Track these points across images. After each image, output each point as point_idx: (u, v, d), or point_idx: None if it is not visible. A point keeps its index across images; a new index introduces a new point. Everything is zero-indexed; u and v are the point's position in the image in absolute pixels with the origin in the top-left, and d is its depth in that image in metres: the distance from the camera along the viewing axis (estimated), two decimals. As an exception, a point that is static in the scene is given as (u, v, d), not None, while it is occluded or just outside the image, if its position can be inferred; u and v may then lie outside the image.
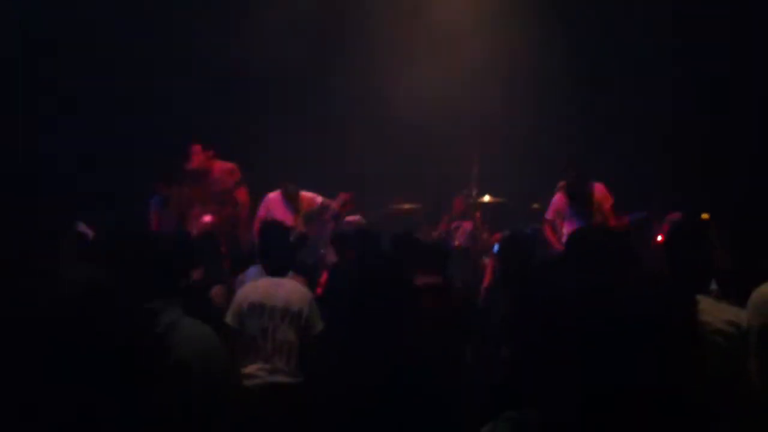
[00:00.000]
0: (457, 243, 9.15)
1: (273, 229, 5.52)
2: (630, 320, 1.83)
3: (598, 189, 8.35)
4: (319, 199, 8.91)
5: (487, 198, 9.47)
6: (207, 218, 8.00)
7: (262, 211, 8.89)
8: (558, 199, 8.45)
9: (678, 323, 1.86)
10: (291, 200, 8.87)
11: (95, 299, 1.85)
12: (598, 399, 1.78)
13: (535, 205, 9.09)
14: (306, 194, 8.95)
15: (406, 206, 9.67)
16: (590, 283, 1.98)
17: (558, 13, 10.23)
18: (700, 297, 3.14)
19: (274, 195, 9.01)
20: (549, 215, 8.48)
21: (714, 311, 3.21)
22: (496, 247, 6.97)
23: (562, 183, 8.48)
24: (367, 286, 2.85)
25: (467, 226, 9.66)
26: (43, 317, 1.79)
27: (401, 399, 2.16)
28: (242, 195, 9.06)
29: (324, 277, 6.50)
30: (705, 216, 6.87)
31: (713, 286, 4.04)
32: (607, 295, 1.90)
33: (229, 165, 8.99)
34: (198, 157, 8.78)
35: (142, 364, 1.93)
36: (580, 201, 8.27)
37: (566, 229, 8.29)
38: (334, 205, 8.69)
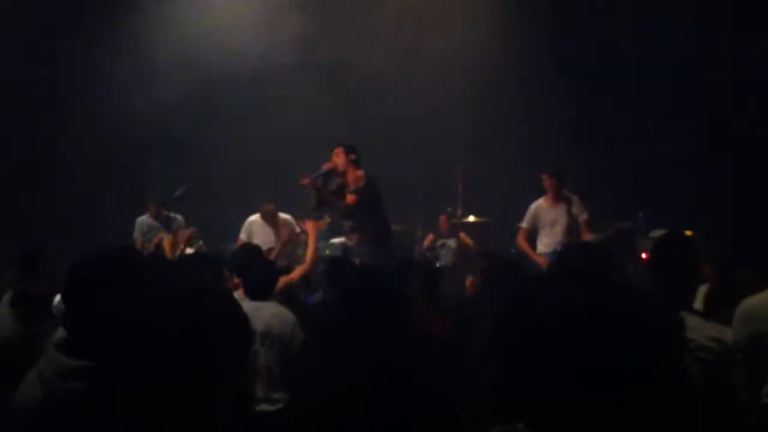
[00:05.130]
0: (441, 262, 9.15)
1: (252, 253, 5.44)
2: (616, 336, 1.83)
3: (574, 200, 8.34)
4: (296, 228, 8.84)
5: (471, 218, 9.49)
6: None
7: (243, 236, 8.86)
8: (536, 206, 8.38)
9: (664, 340, 1.86)
10: (271, 223, 8.82)
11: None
12: (585, 414, 1.78)
13: (523, 225, 9.06)
14: (285, 217, 8.89)
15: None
16: (576, 300, 1.98)
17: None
18: (685, 314, 3.15)
19: (254, 218, 8.99)
20: (524, 224, 8.40)
21: (698, 328, 3.21)
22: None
23: (545, 176, 8.32)
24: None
25: (451, 244, 9.69)
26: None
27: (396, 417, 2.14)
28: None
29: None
30: (688, 233, 6.91)
31: (696, 304, 4.04)
32: (593, 312, 1.90)
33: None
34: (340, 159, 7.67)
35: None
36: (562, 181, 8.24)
37: (542, 240, 8.27)
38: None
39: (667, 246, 3.83)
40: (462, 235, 9.80)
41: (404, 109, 10.24)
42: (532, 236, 8.38)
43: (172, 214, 8.97)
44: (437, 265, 8.96)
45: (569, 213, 8.22)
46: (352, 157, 7.56)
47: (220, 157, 10.48)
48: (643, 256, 7.75)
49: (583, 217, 8.23)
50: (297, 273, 5.90)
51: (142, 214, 9.12)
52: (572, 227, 8.19)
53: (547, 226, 8.27)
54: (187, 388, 1.89)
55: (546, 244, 8.22)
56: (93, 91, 10.27)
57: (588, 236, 8.04)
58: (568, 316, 1.88)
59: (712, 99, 9.71)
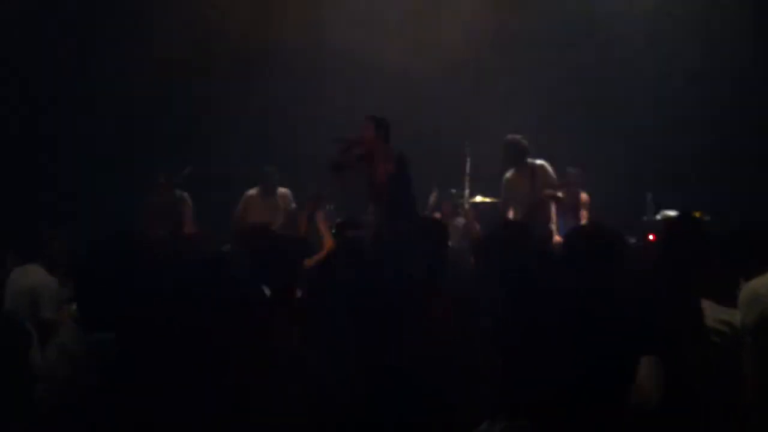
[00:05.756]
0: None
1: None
2: (630, 321, 1.83)
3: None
4: (293, 204, 8.83)
5: (478, 198, 9.47)
6: None
7: (240, 211, 8.90)
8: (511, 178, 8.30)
9: (682, 324, 1.87)
10: (270, 195, 8.82)
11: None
12: (592, 403, 1.77)
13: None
14: (283, 191, 8.90)
15: None
16: (588, 283, 1.98)
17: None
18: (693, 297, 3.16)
19: (252, 192, 9.02)
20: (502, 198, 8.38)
21: (708, 311, 3.21)
22: None
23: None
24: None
25: (459, 222, 9.68)
26: None
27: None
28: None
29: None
30: (697, 214, 6.89)
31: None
32: (605, 295, 1.89)
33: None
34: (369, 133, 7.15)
35: None
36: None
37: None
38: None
39: (676, 229, 3.84)
40: (470, 212, 9.77)
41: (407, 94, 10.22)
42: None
43: (180, 192, 8.98)
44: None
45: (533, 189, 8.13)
46: (382, 134, 7.05)
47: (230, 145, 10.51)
48: (651, 237, 7.73)
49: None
50: (312, 262, 5.78)
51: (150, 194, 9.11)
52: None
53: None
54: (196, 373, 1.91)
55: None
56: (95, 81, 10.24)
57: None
58: (570, 314, 1.87)
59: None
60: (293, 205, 8.76)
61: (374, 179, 7.10)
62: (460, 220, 9.67)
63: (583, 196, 8.74)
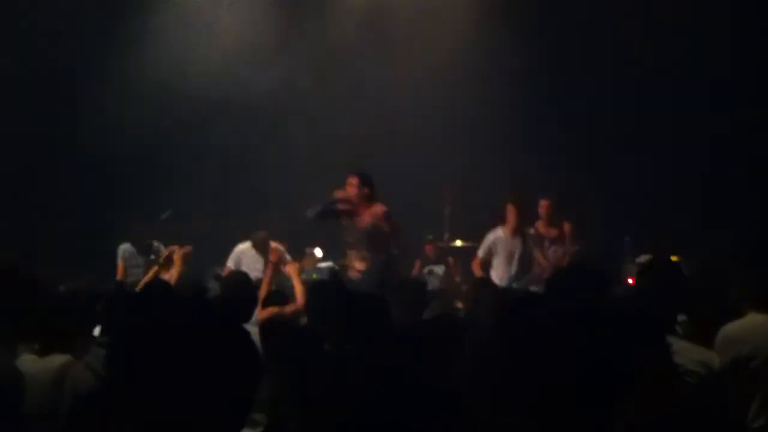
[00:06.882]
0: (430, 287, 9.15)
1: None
2: (607, 360, 1.86)
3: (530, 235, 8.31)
4: (287, 256, 8.80)
5: (458, 243, 9.52)
6: None
7: (230, 263, 8.87)
8: (494, 237, 8.24)
9: (654, 364, 1.91)
10: (262, 252, 8.80)
11: None
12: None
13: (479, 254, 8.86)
14: (276, 246, 8.87)
15: None
16: (568, 320, 2.01)
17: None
18: (672, 338, 3.20)
19: (244, 247, 8.99)
20: (480, 253, 8.29)
21: (684, 352, 3.25)
22: None
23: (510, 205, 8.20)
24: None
25: (438, 270, 9.73)
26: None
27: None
28: None
29: None
30: (675, 258, 6.98)
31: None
32: (584, 333, 1.93)
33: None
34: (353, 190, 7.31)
35: None
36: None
37: (497, 271, 8.17)
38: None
39: (652, 272, 3.89)
40: (450, 260, 9.83)
41: (391, 134, 10.31)
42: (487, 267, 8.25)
43: (153, 243, 8.93)
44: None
45: (525, 246, 8.13)
46: (366, 191, 7.21)
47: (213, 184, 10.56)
48: (630, 281, 7.79)
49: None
50: (289, 309, 5.80)
51: (124, 241, 9.08)
52: (526, 261, 8.12)
53: (502, 257, 8.14)
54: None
55: (500, 276, 8.06)
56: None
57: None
58: (556, 335, 1.91)
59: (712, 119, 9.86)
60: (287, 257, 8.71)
61: (356, 231, 7.23)
62: (439, 268, 9.72)
63: (567, 226, 8.70)
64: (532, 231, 8.29)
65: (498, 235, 8.21)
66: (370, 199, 7.23)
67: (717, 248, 7.64)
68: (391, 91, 10.39)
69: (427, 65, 10.39)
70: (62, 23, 9.97)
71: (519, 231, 8.12)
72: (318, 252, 8.54)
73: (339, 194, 7.30)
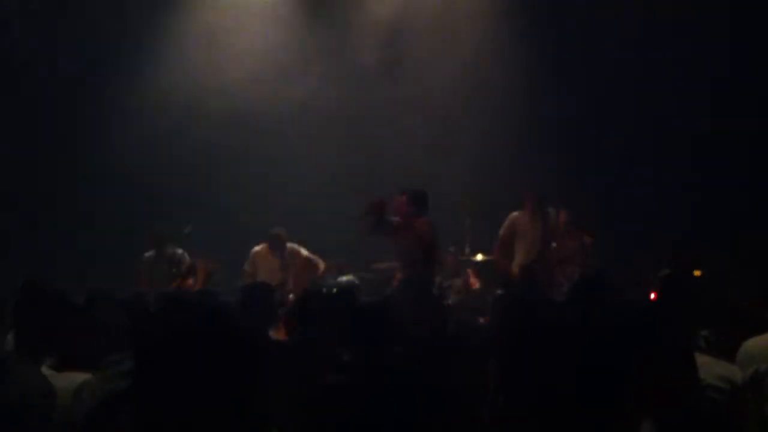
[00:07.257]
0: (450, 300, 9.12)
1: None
2: (623, 374, 1.86)
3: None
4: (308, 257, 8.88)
5: (479, 257, 9.49)
6: None
7: (247, 267, 8.87)
8: (514, 216, 8.44)
9: (677, 378, 1.90)
10: (278, 252, 8.82)
11: None
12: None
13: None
14: (293, 246, 8.90)
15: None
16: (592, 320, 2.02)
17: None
18: (694, 353, 3.17)
19: (258, 249, 9.00)
20: (501, 231, 8.47)
21: (706, 366, 3.22)
22: None
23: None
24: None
25: (457, 283, 9.68)
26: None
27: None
28: None
29: None
30: (697, 273, 6.91)
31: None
32: (605, 338, 1.93)
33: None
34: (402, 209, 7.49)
35: None
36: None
37: (520, 249, 8.24)
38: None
39: (673, 286, 3.87)
40: (470, 272, 9.78)
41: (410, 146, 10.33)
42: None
43: (177, 250, 8.93)
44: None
45: (545, 226, 8.27)
46: (413, 208, 7.35)
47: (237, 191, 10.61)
48: (652, 295, 7.71)
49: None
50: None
51: (147, 250, 9.11)
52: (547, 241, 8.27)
53: (521, 238, 8.37)
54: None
55: (519, 262, 8.27)
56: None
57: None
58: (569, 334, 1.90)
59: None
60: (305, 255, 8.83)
61: (402, 248, 7.40)
62: (459, 281, 9.68)
63: (587, 239, 8.74)
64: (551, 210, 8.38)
65: (517, 216, 8.40)
66: (417, 214, 7.33)
67: (737, 261, 7.58)
68: (405, 105, 10.43)
69: (443, 78, 10.41)
70: (82, 32, 10.15)
71: (538, 212, 8.24)
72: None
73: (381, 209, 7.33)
